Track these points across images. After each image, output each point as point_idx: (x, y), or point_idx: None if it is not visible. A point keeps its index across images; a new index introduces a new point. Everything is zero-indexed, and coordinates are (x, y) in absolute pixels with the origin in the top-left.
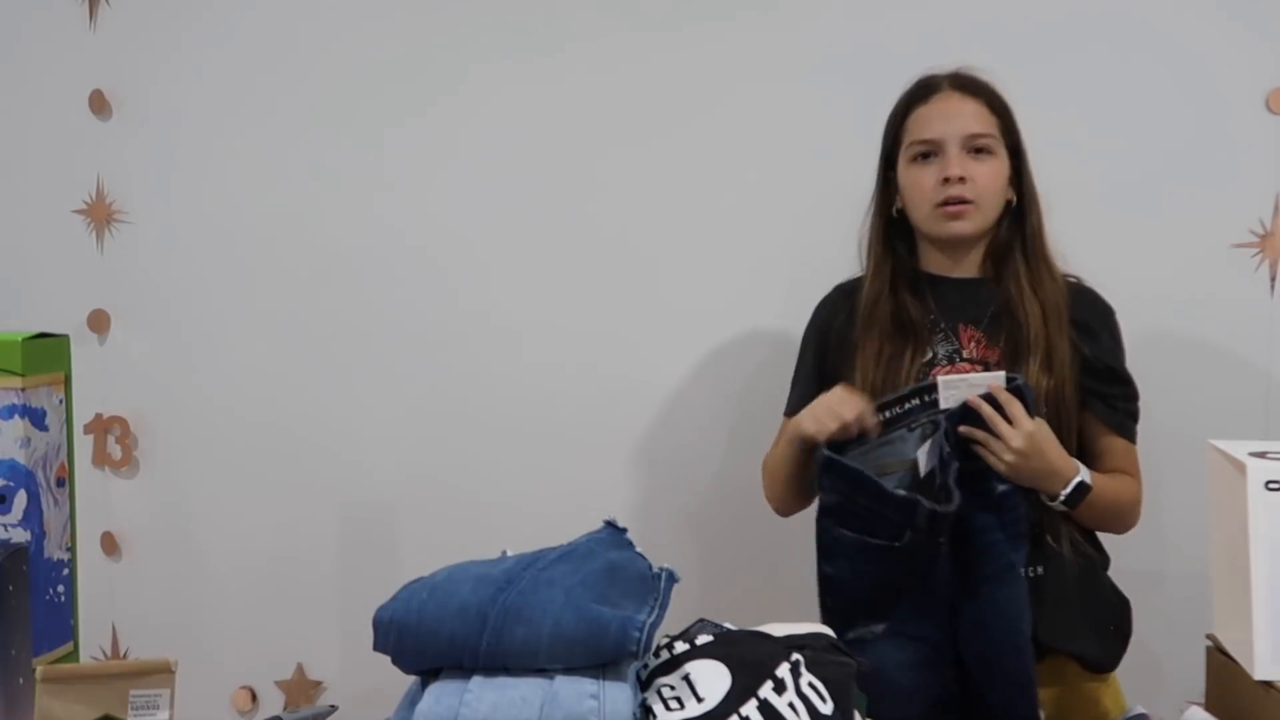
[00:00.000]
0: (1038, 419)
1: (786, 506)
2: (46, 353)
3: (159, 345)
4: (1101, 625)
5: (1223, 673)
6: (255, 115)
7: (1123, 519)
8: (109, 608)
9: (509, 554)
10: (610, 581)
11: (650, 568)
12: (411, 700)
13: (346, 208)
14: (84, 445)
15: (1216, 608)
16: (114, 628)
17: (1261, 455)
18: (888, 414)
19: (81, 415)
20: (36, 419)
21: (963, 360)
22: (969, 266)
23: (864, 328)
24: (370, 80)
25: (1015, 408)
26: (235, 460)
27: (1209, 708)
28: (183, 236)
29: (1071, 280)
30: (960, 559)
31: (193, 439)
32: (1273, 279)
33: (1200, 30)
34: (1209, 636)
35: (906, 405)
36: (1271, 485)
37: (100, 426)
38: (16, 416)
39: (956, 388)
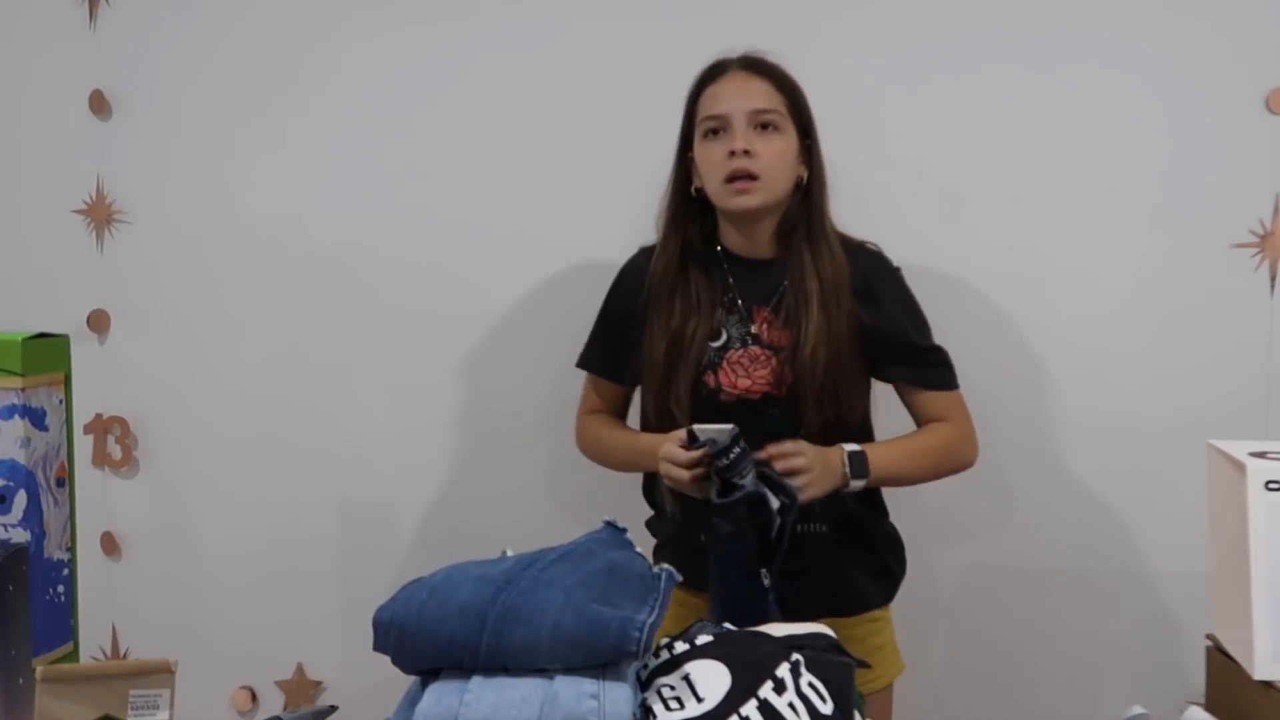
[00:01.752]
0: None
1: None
2: (46, 353)
3: (159, 345)
4: (875, 566)
5: (1223, 673)
6: (255, 115)
7: (951, 462)
8: (109, 608)
9: (509, 554)
10: (610, 581)
11: (650, 568)
12: (411, 700)
13: (346, 207)
14: (84, 445)
15: (1216, 608)
16: (114, 628)
17: (1261, 455)
18: (724, 460)
19: (81, 415)
20: (36, 419)
21: (753, 342)
22: (763, 246)
23: (652, 300)
24: (369, 79)
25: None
26: (235, 460)
27: (1209, 708)
28: (182, 236)
29: (871, 248)
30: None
31: (193, 439)
32: (1273, 279)
33: (1200, 30)
34: (1209, 636)
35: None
36: (1271, 485)
37: (100, 426)
38: (16, 416)
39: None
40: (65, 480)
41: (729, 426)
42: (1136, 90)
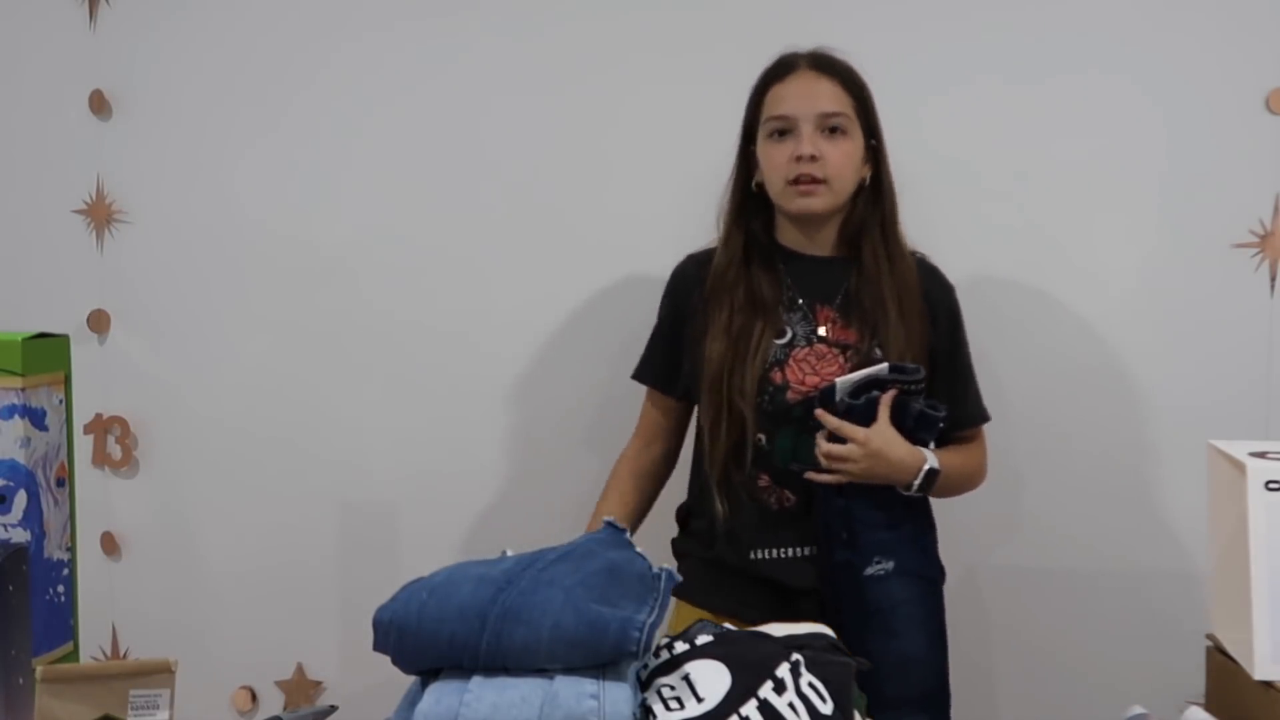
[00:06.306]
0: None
1: None
2: (46, 353)
3: (159, 345)
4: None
5: (1223, 673)
6: (255, 115)
7: (970, 486)
8: (109, 608)
9: (509, 554)
10: (610, 581)
11: (650, 568)
12: (411, 700)
13: (346, 208)
14: (84, 445)
15: (1216, 608)
16: (114, 628)
17: (1261, 455)
18: (916, 385)
19: (81, 415)
20: (36, 419)
21: (818, 340)
22: (823, 244)
23: (713, 299)
24: (372, 79)
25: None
26: (235, 460)
27: (1209, 708)
28: (183, 236)
29: (927, 260)
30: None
31: (193, 439)
32: (1273, 279)
33: (1200, 30)
34: (1209, 636)
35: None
36: (1271, 485)
37: (100, 426)
38: (16, 416)
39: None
40: (65, 480)
41: (881, 366)
42: (1137, 90)
